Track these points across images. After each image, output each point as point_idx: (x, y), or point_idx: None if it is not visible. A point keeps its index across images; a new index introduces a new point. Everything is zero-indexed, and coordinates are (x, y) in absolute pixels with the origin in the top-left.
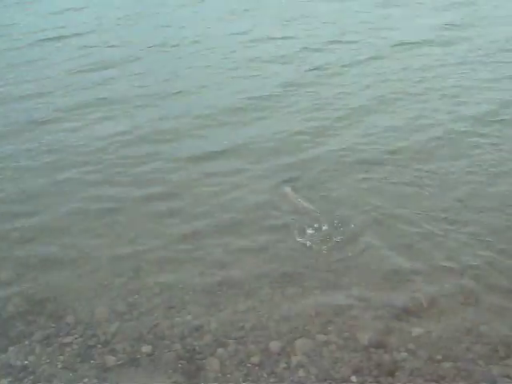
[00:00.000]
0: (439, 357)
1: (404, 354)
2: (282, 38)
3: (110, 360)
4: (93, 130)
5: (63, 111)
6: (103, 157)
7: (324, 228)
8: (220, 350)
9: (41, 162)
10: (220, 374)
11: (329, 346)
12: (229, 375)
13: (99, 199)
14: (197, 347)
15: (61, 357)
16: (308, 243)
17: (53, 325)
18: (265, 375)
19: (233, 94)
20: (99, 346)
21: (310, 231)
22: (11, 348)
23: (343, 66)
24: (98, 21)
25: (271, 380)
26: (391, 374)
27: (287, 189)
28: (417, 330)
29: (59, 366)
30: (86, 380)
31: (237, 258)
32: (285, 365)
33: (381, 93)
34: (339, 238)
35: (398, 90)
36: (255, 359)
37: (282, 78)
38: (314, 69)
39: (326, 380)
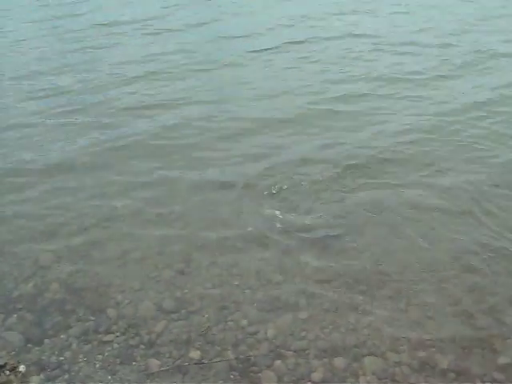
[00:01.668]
0: None
1: None
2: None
3: (154, 364)
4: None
5: None
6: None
7: None
8: (278, 363)
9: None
10: None
11: (402, 368)
12: None
13: (152, 183)
14: (252, 357)
15: (99, 356)
16: None
17: (92, 318)
18: None
19: None
20: (142, 346)
21: None
22: (46, 341)
23: None
24: None
25: None
26: None
27: None
28: (503, 358)
29: (97, 366)
30: None
31: (299, 258)
32: None
33: None
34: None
35: None
36: (317, 376)
37: None
38: None
39: None
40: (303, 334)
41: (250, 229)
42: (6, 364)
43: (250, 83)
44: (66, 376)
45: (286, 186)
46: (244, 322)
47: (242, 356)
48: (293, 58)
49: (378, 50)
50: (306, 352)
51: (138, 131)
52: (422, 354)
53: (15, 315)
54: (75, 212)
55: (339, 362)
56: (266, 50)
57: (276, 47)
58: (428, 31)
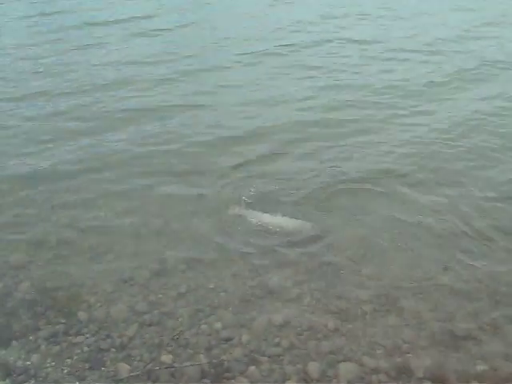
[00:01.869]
0: None
1: None
2: None
3: (124, 369)
4: None
5: None
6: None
7: None
8: (252, 369)
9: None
10: None
11: (378, 375)
12: None
13: (127, 180)
14: (225, 362)
15: (68, 360)
16: None
17: (63, 320)
18: None
19: None
20: (113, 350)
21: None
22: (14, 343)
23: None
24: None
25: None
26: None
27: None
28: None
29: (65, 371)
30: None
31: (275, 260)
32: None
33: None
34: None
35: None
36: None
37: None
38: None
39: None
40: (277, 339)
41: (227, 232)
42: None
43: (235, 88)
44: (33, 381)
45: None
46: (218, 326)
47: (215, 360)
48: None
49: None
50: (280, 358)
51: (117, 138)
52: (398, 360)
53: None
54: (48, 212)
55: (313, 368)
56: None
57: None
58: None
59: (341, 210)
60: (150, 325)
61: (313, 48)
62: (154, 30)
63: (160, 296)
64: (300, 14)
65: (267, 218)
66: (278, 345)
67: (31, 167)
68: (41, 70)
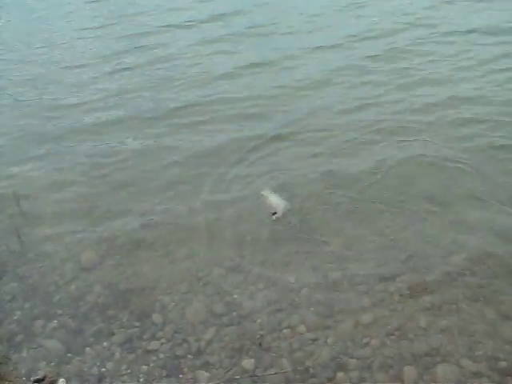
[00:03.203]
0: None
1: None
2: None
3: (203, 377)
4: None
5: None
6: None
7: None
8: (340, 375)
9: None
10: None
11: (481, 380)
12: None
13: (198, 172)
14: (310, 368)
15: (144, 367)
16: None
17: (137, 324)
18: None
19: None
20: (190, 356)
21: None
22: (88, 350)
23: None
24: None
25: None
26: None
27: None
28: None
29: (141, 380)
30: None
31: (359, 253)
32: None
33: None
34: None
35: None
36: None
37: None
38: None
39: None
40: (366, 340)
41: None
42: (45, 377)
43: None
44: None
45: None
46: (301, 326)
47: (299, 366)
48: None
49: None
50: (370, 361)
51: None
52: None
53: (55, 321)
54: (119, 209)
55: (409, 371)
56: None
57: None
58: None
59: None
60: (228, 327)
61: None
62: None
63: (236, 296)
64: None
65: None
66: (366, 345)
67: (101, 160)
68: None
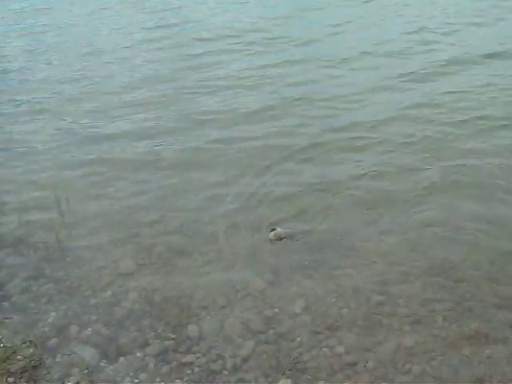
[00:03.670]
0: None
1: None
2: None
3: None
4: None
5: None
6: None
7: None
8: None
9: None
10: None
11: None
12: None
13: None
14: None
15: (178, 381)
16: None
17: (172, 335)
18: None
19: None
20: (225, 372)
21: None
22: (121, 359)
23: None
24: None
25: None
26: None
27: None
28: None
29: None
30: None
31: (403, 274)
32: None
33: None
34: None
35: None
36: None
37: None
38: None
39: None
40: (408, 366)
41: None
42: None
43: None
44: None
45: None
46: (340, 348)
47: None
48: None
49: None
50: None
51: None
52: None
53: (90, 328)
54: (159, 217)
55: None
56: None
57: None
58: None
59: None
60: (265, 344)
61: None
62: None
63: (276, 311)
64: None
65: None
66: (408, 372)
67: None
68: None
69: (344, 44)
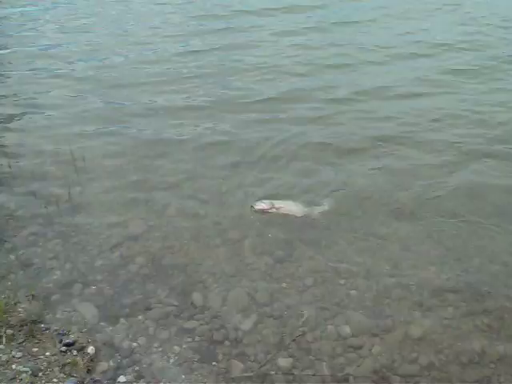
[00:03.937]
0: None
1: None
2: None
3: (237, 367)
4: None
5: None
6: None
7: None
8: None
9: None
10: None
11: None
12: None
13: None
14: (350, 377)
15: (176, 347)
16: None
17: (175, 302)
18: None
19: None
20: (227, 343)
21: None
22: (121, 320)
23: None
24: None
25: None
26: None
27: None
28: None
29: (171, 361)
30: None
31: (416, 260)
32: None
33: None
34: None
35: None
36: None
37: None
38: None
39: None
40: (414, 355)
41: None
42: (75, 342)
43: None
44: (137, 367)
45: None
46: (346, 330)
47: (339, 373)
48: None
49: None
50: (416, 380)
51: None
52: None
53: (94, 287)
54: (172, 181)
55: None
56: None
57: None
58: None
59: None
60: (269, 319)
61: None
62: None
63: (283, 286)
64: None
65: None
66: (414, 362)
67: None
68: None
69: None
